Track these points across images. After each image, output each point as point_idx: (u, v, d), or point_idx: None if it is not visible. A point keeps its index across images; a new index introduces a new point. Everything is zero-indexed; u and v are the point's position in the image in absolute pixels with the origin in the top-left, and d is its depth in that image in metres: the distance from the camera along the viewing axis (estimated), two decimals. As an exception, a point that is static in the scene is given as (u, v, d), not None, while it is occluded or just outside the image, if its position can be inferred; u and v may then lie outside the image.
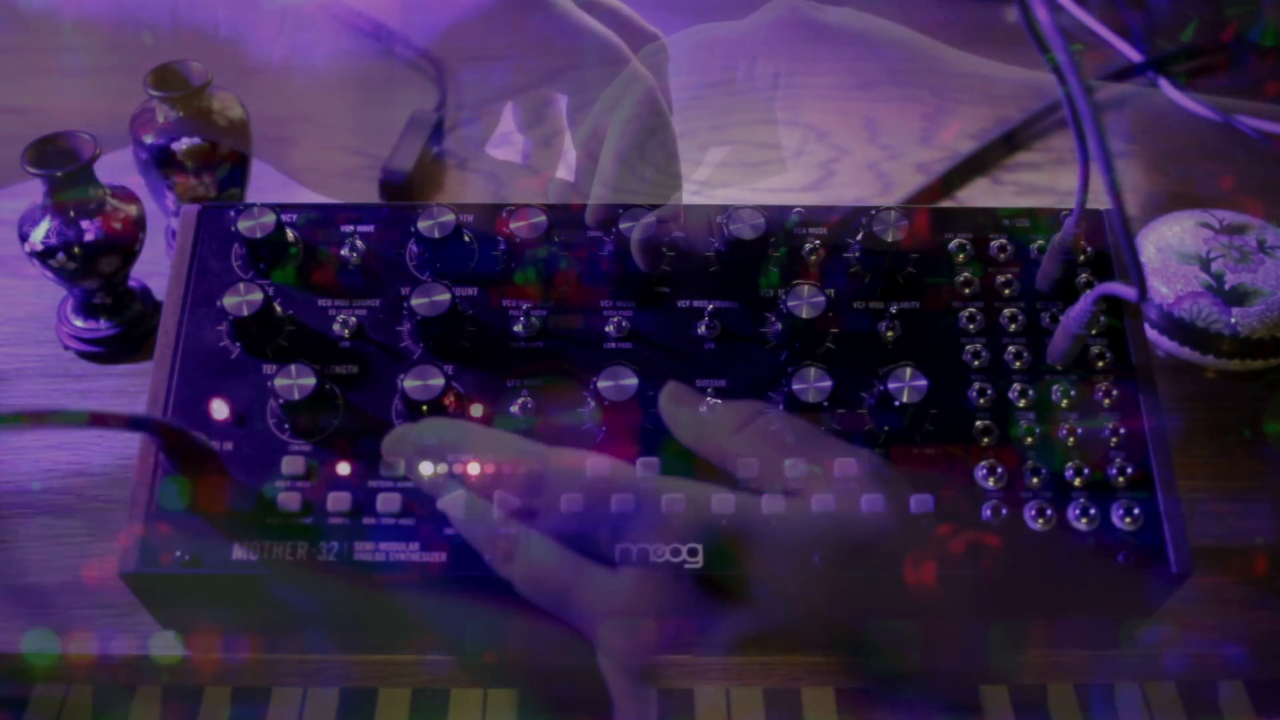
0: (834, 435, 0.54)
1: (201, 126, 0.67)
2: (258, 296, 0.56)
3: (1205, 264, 0.70)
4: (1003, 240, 0.60)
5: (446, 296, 0.56)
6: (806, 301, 0.56)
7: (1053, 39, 0.43)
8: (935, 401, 0.55)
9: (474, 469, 0.53)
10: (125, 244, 0.66)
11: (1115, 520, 0.54)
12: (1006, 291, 0.59)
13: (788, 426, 0.54)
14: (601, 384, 0.54)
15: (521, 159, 0.79)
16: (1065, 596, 0.55)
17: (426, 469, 0.53)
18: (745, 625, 0.54)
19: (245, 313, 0.55)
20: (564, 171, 0.78)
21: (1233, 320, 0.68)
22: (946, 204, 0.80)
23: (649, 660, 0.52)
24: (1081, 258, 0.59)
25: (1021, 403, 0.56)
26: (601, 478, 0.52)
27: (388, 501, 0.53)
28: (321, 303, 0.58)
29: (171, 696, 0.62)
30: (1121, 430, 0.56)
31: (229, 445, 0.55)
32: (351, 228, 0.60)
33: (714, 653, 0.56)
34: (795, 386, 0.55)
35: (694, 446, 0.54)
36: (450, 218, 0.58)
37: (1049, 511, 0.54)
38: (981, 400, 0.56)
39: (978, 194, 0.81)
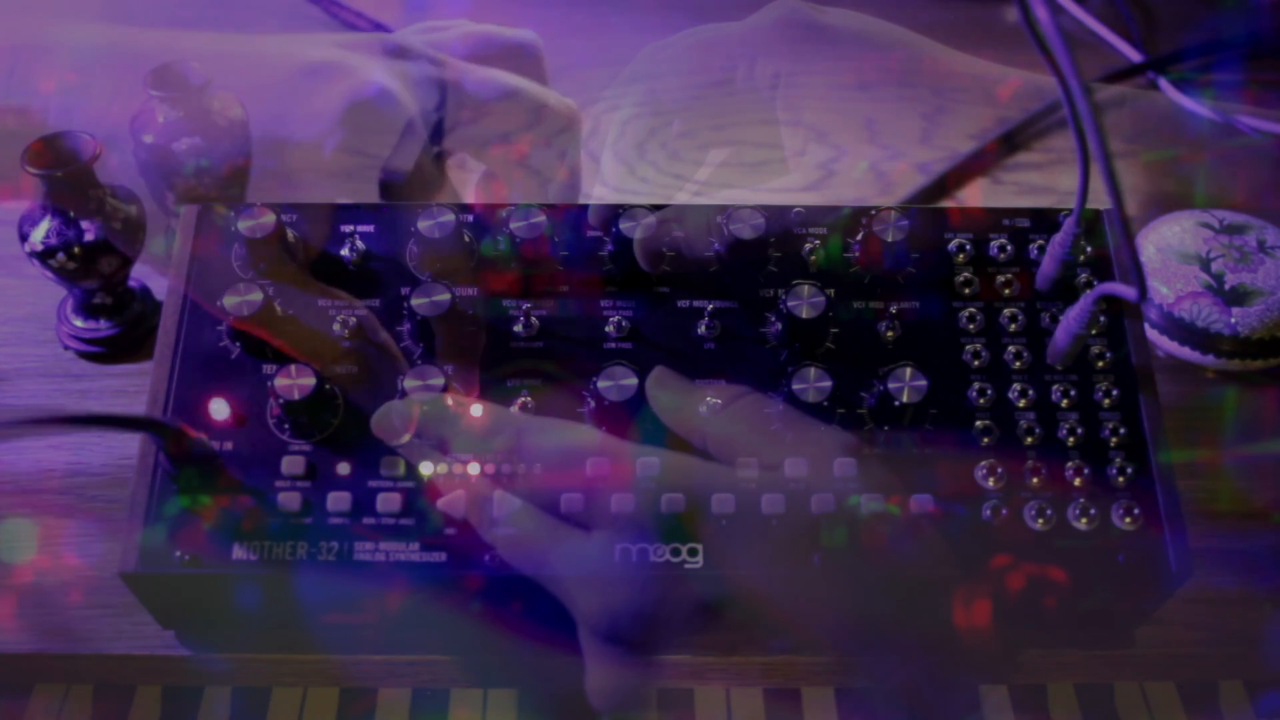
0: (814, 418, 0.54)
1: (201, 126, 0.67)
2: (258, 296, 0.56)
3: (1205, 264, 0.70)
4: (1003, 240, 0.60)
5: (446, 296, 0.56)
6: (806, 301, 0.56)
7: (1053, 39, 0.43)
8: (935, 401, 0.55)
9: (460, 442, 0.54)
10: (125, 244, 0.66)
11: (1115, 520, 0.54)
12: (1006, 291, 0.59)
13: (769, 409, 0.54)
14: (601, 384, 0.54)
15: (521, 159, 0.79)
16: (1065, 596, 0.55)
17: (412, 442, 0.54)
18: (744, 624, 0.54)
19: (245, 313, 0.55)
20: (566, 172, 0.78)
21: (1233, 320, 0.68)
22: (946, 204, 0.80)
23: (623, 626, 0.52)
24: (1081, 258, 0.59)
25: (1021, 403, 0.56)
26: (599, 467, 0.52)
27: (388, 501, 0.53)
28: (321, 303, 0.58)
29: (171, 696, 0.62)
30: (1121, 430, 0.55)
31: (229, 445, 0.55)
32: (351, 228, 0.60)
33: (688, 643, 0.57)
34: (795, 386, 0.55)
35: (677, 428, 0.54)
36: (450, 218, 0.58)
37: (1049, 511, 0.54)
38: (981, 400, 0.56)
39: (978, 194, 0.81)
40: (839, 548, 0.52)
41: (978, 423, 0.56)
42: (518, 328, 0.57)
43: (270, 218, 0.58)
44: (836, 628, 0.54)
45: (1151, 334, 0.71)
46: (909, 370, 0.54)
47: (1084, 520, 0.54)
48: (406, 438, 0.54)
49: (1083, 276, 0.59)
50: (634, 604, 0.52)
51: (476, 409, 0.54)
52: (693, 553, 0.52)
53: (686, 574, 0.52)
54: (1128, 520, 0.54)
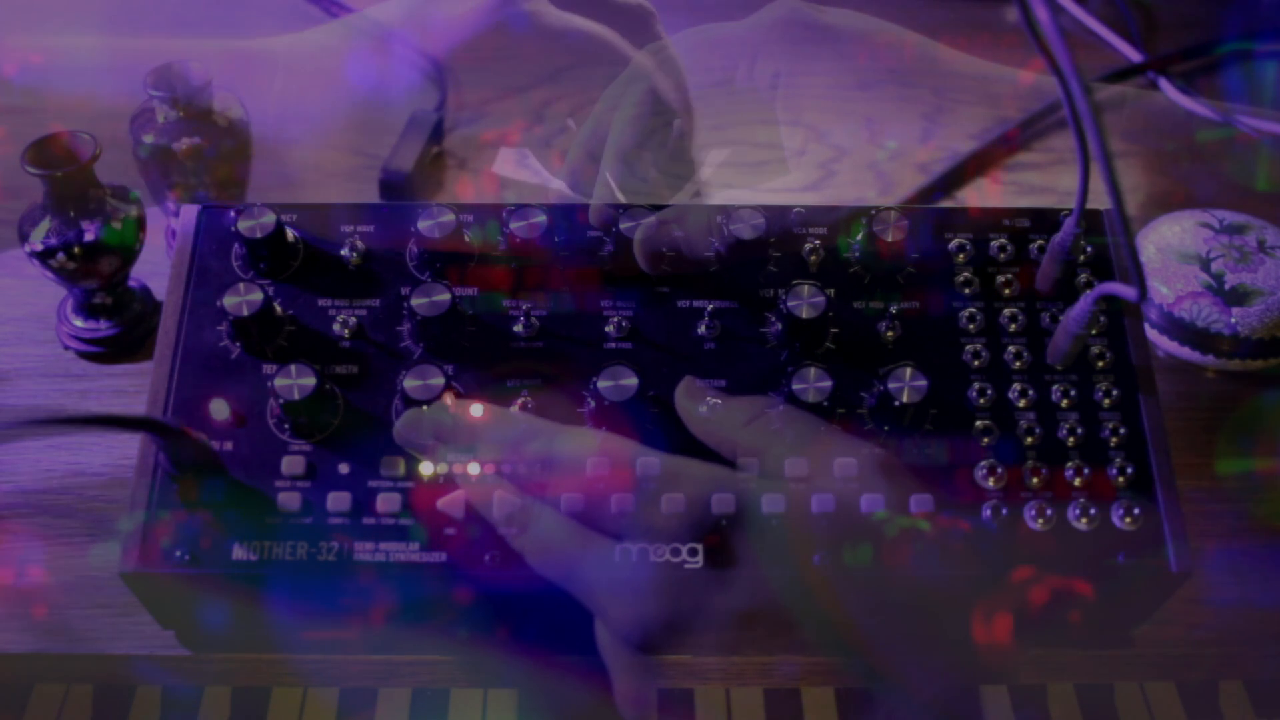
0: (840, 428, 0.54)
1: (201, 126, 0.67)
2: (258, 296, 0.56)
3: (1205, 264, 0.70)
4: (1003, 240, 0.60)
5: (446, 296, 0.56)
6: (806, 301, 0.56)
7: (1053, 39, 0.43)
8: (935, 401, 0.55)
9: (485, 448, 0.53)
10: (125, 244, 0.66)
11: (1115, 520, 0.54)
12: (1006, 291, 0.59)
13: (796, 420, 0.54)
14: (601, 384, 0.54)
15: (522, 159, 0.79)
16: (1066, 596, 0.55)
17: (431, 463, 0.54)
18: (744, 623, 0.54)
19: (245, 313, 0.55)
20: (565, 171, 0.78)
21: (1233, 320, 0.68)
22: (946, 204, 0.80)
23: (649, 637, 0.52)
24: (1081, 258, 0.59)
25: (1021, 403, 0.56)
26: (602, 467, 0.52)
27: (388, 501, 0.53)
28: (321, 303, 0.58)
29: (171, 696, 0.62)
30: (1121, 430, 0.55)
31: (229, 445, 0.55)
32: (351, 228, 0.60)
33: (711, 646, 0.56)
34: (795, 386, 0.55)
35: (705, 439, 0.54)
36: (450, 218, 0.58)
37: (1049, 511, 0.54)
38: (981, 400, 0.56)
39: (978, 194, 0.81)
40: (863, 564, 0.52)
41: (978, 423, 0.56)
42: (518, 328, 0.57)
43: (270, 218, 0.58)
44: (843, 630, 0.54)
45: (1151, 334, 0.71)
46: (909, 370, 0.54)
47: (1084, 520, 0.54)
48: (432, 444, 0.54)
49: (1083, 276, 0.59)
50: (662, 611, 0.51)
51: (477, 409, 0.54)
52: (692, 553, 0.52)
53: (686, 574, 0.52)
54: (1128, 520, 0.54)
